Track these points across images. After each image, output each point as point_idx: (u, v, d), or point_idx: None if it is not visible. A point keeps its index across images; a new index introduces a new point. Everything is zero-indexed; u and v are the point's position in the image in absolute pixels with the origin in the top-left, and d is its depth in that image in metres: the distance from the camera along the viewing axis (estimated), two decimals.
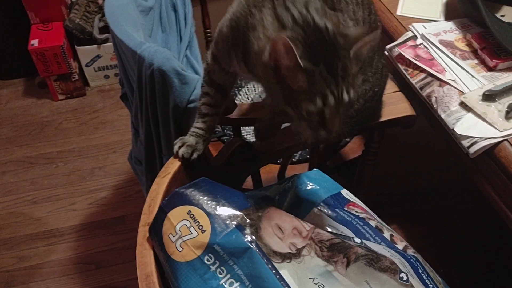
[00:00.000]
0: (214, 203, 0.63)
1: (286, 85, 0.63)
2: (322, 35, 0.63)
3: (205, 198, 0.63)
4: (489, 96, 0.88)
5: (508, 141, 0.83)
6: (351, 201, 0.82)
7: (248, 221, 0.62)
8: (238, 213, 0.62)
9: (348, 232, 0.73)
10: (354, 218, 0.76)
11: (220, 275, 0.59)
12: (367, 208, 0.82)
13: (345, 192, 0.84)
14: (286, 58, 0.60)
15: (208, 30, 1.48)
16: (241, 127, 1.13)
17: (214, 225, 0.61)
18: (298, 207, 0.77)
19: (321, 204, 0.77)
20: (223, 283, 0.59)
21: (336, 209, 0.77)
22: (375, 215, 0.81)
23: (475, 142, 0.84)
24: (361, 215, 0.78)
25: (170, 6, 1.31)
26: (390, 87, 1.03)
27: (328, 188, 0.81)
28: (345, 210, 0.78)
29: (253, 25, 0.67)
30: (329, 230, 0.73)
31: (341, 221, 0.75)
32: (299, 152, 1.26)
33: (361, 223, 0.76)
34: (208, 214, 0.61)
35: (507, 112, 0.85)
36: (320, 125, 0.65)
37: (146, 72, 0.97)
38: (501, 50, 0.94)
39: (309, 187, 0.80)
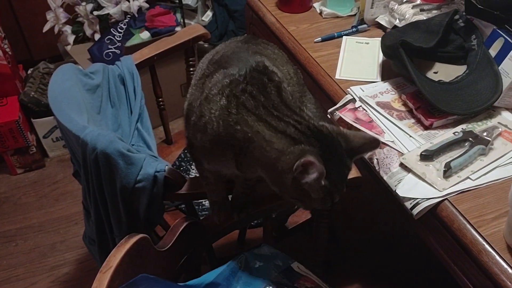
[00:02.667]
0: None
1: (300, 188, 0.70)
2: (326, 137, 0.72)
3: None
4: (427, 156, 0.90)
5: (449, 200, 0.85)
6: (302, 275, 0.82)
7: None
8: None
9: None
10: None
11: None
12: (316, 280, 0.81)
13: (296, 266, 0.83)
14: (311, 177, 0.67)
15: (160, 99, 1.49)
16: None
17: None
18: None
19: (270, 283, 0.76)
20: None
21: (285, 287, 0.77)
22: (324, 285, 0.80)
23: (417, 204, 0.86)
24: None
25: (118, 80, 1.32)
26: None
27: (277, 264, 0.81)
28: (294, 287, 0.77)
29: (249, 138, 0.72)
30: None
31: None
32: None
33: None
34: None
35: (445, 171, 0.87)
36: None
37: (91, 156, 0.97)
38: (435, 109, 0.98)
39: (258, 265, 0.79)
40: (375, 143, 0.75)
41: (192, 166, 1.47)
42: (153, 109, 1.47)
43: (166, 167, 0.99)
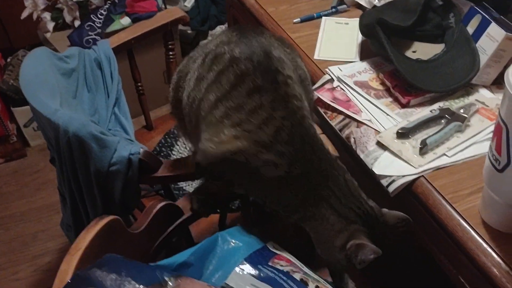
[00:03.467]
0: (118, 282, 0.60)
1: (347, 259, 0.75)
2: (374, 217, 0.77)
3: (108, 278, 0.60)
4: (403, 134, 0.90)
5: (424, 177, 0.84)
6: (277, 254, 0.81)
7: None
8: None
9: None
10: (277, 273, 0.75)
11: None
12: (293, 259, 0.81)
13: (271, 245, 0.82)
14: (368, 257, 0.72)
15: (139, 84, 1.47)
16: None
17: None
18: (219, 269, 0.75)
19: (244, 262, 0.75)
20: None
21: (259, 265, 0.76)
22: (301, 266, 0.80)
23: (393, 181, 0.85)
24: (286, 269, 0.77)
25: (95, 64, 1.30)
26: None
27: (252, 243, 0.80)
28: (269, 266, 0.77)
29: (312, 216, 0.79)
30: None
31: (263, 279, 0.73)
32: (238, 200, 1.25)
33: (284, 278, 0.74)
34: None
35: (421, 149, 0.87)
36: None
37: (63, 140, 0.95)
38: (412, 87, 0.97)
39: (231, 245, 0.78)
40: (406, 221, 0.78)
41: (173, 152, 1.45)
42: (135, 96, 1.45)
43: (141, 149, 0.97)
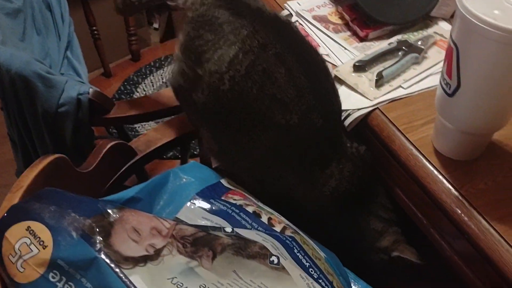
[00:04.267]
0: (57, 214, 0.58)
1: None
2: None
3: (47, 210, 0.58)
4: (360, 67, 0.88)
5: (380, 109, 0.84)
6: (231, 189, 0.80)
7: (96, 229, 0.58)
8: (86, 221, 0.58)
9: (222, 222, 0.70)
10: (230, 206, 0.74)
11: None
12: (246, 194, 0.80)
13: (225, 181, 0.81)
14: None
15: (94, 28, 1.40)
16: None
17: (57, 239, 0.56)
18: (170, 204, 0.73)
19: (195, 196, 0.74)
20: None
21: (211, 199, 0.75)
22: (255, 200, 0.79)
23: (349, 115, 0.84)
24: (239, 202, 0.76)
25: (44, 5, 1.22)
26: None
27: (205, 179, 0.78)
28: (221, 200, 0.76)
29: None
30: (203, 223, 0.70)
31: (215, 212, 0.72)
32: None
33: (237, 211, 0.73)
34: (50, 227, 0.56)
35: (377, 81, 0.85)
36: None
37: (5, 79, 0.90)
38: (371, 20, 0.95)
39: (184, 181, 0.77)
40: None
41: (137, 89, 1.41)
42: (86, 40, 1.38)
43: (91, 89, 0.93)
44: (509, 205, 0.70)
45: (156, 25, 2.26)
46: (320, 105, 0.71)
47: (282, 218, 0.77)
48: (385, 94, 0.84)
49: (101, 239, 0.57)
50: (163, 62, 1.49)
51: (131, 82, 1.44)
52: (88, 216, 0.59)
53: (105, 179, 0.85)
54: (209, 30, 0.68)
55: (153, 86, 1.42)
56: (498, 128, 0.71)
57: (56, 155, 0.74)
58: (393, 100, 0.84)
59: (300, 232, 0.75)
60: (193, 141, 1.17)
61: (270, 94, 0.65)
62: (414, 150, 0.77)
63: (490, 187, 0.72)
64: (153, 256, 0.58)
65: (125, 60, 1.54)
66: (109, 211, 0.61)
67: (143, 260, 0.57)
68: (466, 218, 0.69)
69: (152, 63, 1.48)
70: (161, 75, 1.45)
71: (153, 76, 1.45)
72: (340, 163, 0.77)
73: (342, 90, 0.87)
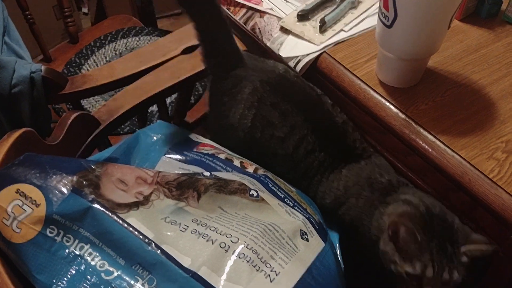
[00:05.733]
0: (43, 174, 0.59)
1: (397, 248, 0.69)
2: (446, 223, 0.69)
3: (32, 172, 0.59)
4: (303, 16, 0.94)
5: (327, 53, 0.90)
6: (201, 142, 0.84)
7: (85, 182, 0.60)
8: (73, 177, 0.60)
9: (198, 170, 0.75)
10: (203, 156, 0.78)
11: (67, 243, 0.57)
12: (216, 145, 0.84)
13: (194, 136, 0.85)
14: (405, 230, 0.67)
15: (27, 13, 1.36)
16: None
17: (48, 196, 0.58)
18: (146, 160, 0.76)
19: (168, 151, 0.78)
20: (73, 250, 0.57)
21: (184, 152, 0.78)
22: (225, 149, 0.84)
23: (299, 61, 0.90)
24: (211, 152, 0.80)
25: None
26: None
27: (175, 135, 0.82)
28: (194, 151, 0.80)
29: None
30: (180, 172, 0.74)
31: (190, 162, 0.76)
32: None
33: (210, 159, 0.78)
34: (39, 187, 0.58)
35: (320, 27, 0.92)
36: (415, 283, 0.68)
37: None
38: None
39: (155, 139, 0.80)
40: (489, 251, 0.68)
41: (87, 62, 1.40)
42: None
43: (43, 67, 0.92)
44: (449, 119, 0.79)
45: (85, 10, 2.20)
46: (315, 131, 0.80)
47: (253, 162, 0.82)
48: (329, 38, 0.91)
49: (92, 190, 0.59)
50: (103, 41, 1.47)
51: (73, 65, 1.42)
52: (73, 173, 0.61)
53: (72, 151, 0.86)
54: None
55: (97, 65, 1.41)
56: (432, 52, 0.80)
57: (24, 129, 0.74)
58: (337, 43, 0.91)
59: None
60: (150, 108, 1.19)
61: (270, 134, 0.80)
62: (362, 84, 0.85)
63: (431, 106, 0.81)
64: (143, 201, 0.62)
65: (63, 44, 1.51)
66: (93, 166, 0.63)
67: (135, 205, 0.61)
68: (414, 136, 0.78)
69: (92, 43, 1.46)
70: (104, 54, 1.44)
71: (95, 56, 1.44)
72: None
73: (289, 40, 0.93)
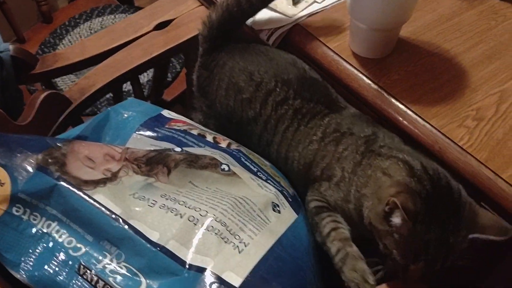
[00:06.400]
0: (8, 153, 0.59)
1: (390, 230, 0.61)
2: (451, 198, 0.61)
3: None
4: None
5: (299, 24, 0.89)
6: (173, 118, 0.83)
7: (50, 160, 0.59)
8: (38, 155, 0.59)
9: (170, 146, 0.74)
10: (175, 132, 0.78)
11: (34, 221, 0.57)
12: (189, 121, 0.84)
13: (167, 112, 0.84)
14: (400, 219, 0.58)
15: None
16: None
17: (13, 175, 0.57)
18: (117, 138, 0.76)
19: (139, 128, 0.77)
20: (41, 228, 0.57)
21: (155, 128, 0.78)
22: (197, 125, 0.83)
23: (272, 33, 0.89)
24: (183, 128, 0.80)
25: None
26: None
27: (146, 111, 0.81)
28: (166, 128, 0.79)
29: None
30: (151, 149, 0.74)
31: (161, 138, 0.76)
32: None
33: (182, 135, 0.77)
34: (4, 166, 0.58)
35: None
36: (399, 270, 0.63)
37: None
38: None
39: (125, 116, 0.79)
40: (506, 232, 0.61)
41: (62, 42, 1.37)
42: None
43: (11, 46, 0.91)
44: (420, 88, 0.79)
45: None
46: (287, 83, 0.77)
47: (226, 137, 0.82)
48: (302, 10, 0.90)
49: (57, 168, 0.59)
50: (78, 20, 1.44)
51: (48, 45, 1.39)
52: (39, 151, 0.60)
53: (43, 131, 0.85)
54: None
55: (81, 37, 1.38)
56: (403, 22, 0.80)
57: None
58: (311, 15, 0.90)
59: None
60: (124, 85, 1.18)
61: (240, 100, 0.79)
62: (335, 56, 0.85)
63: (403, 76, 0.81)
64: (111, 178, 0.62)
65: (38, 25, 1.48)
66: (59, 144, 0.63)
67: (102, 182, 0.60)
68: (385, 106, 0.78)
69: (67, 23, 1.44)
70: (79, 34, 1.42)
71: (70, 35, 1.41)
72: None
73: (262, 12, 0.91)
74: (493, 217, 0.63)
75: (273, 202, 0.68)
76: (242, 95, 0.79)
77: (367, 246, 0.68)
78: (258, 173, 0.74)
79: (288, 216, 0.69)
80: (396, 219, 0.59)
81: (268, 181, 0.73)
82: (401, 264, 0.62)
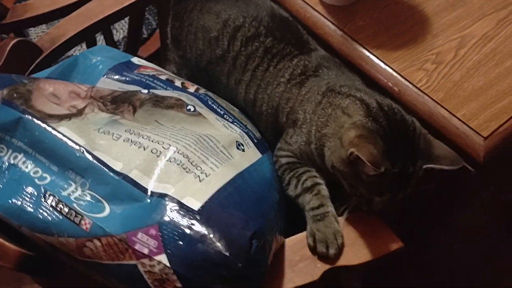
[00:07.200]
0: None
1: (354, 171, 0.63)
2: (407, 131, 0.64)
3: None
4: None
5: None
6: (143, 65, 0.84)
7: (15, 95, 0.61)
8: (3, 90, 0.61)
9: (137, 89, 0.76)
10: (143, 76, 0.79)
11: (1, 154, 0.59)
12: (159, 68, 0.85)
13: (136, 59, 0.85)
14: (364, 164, 0.59)
15: None
16: None
17: None
18: (86, 81, 0.77)
19: (108, 72, 0.78)
20: (7, 160, 0.59)
21: (124, 73, 0.79)
22: (167, 72, 0.85)
23: None
24: (152, 73, 0.81)
25: None
26: None
27: (115, 57, 0.82)
28: (134, 73, 0.80)
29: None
30: None
31: (130, 82, 0.77)
32: None
33: (151, 79, 0.79)
34: None
35: None
36: (365, 203, 0.66)
37: None
38: None
39: (94, 60, 0.80)
40: (457, 162, 0.64)
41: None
42: None
43: None
44: (384, 34, 0.81)
45: None
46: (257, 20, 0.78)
47: (192, 83, 0.83)
48: None
49: (23, 102, 0.60)
50: None
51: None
52: (4, 87, 0.62)
53: None
54: None
55: None
56: None
57: None
58: None
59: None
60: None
61: (208, 40, 0.80)
62: (302, 3, 0.86)
63: (368, 23, 0.83)
64: (76, 114, 0.63)
65: None
66: (25, 81, 0.64)
67: (67, 116, 0.62)
68: (350, 52, 0.80)
69: None
70: None
71: None
72: None
73: None
74: (446, 148, 0.65)
75: (237, 141, 0.71)
76: (210, 35, 0.79)
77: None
78: (225, 116, 0.76)
79: (252, 155, 0.71)
80: (360, 166, 0.61)
81: (235, 123, 0.75)
82: (366, 198, 0.65)
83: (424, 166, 0.63)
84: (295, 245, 0.67)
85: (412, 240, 0.69)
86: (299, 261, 0.66)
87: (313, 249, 0.65)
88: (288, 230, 0.69)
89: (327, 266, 0.65)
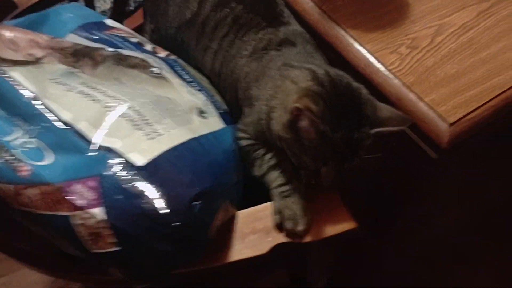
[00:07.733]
0: None
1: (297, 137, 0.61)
2: (352, 97, 0.62)
3: None
4: None
5: None
6: (115, 27, 0.83)
7: None
8: None
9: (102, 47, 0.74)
10: (113, 37, 0.78)
11: None
12: (132, 32, 0.83)
13: (110, 22, 0.84)
14: (307, 122, 0.58)
15: None
16: None
17: None
18: (54, 34, 0.75)
19: (78, 28, 0.76)
20: None
21: (94, 31, 0.77)
22: (140, 36, 0.83)
23: None
24: (123, 35, 0.79)
25: None
26: None
27: (88, 16, 0.80)
28: (105, 33, 0.79)
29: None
30: None
31: (98, 41, 0.75)
32: None
33: (120, 40, 0.77)
34: None
35: None
36: (312, 175, 0.64)
37: None
38: None
39: (65, 16, 0.78)
40: (404, 122, 0.64)
41: None
42: None
43: None
44: (362, 15, 0.80)
45: None
46: None
47: (164, 50, 0.82)
48: None
49: None
50: None
51: None
52: None
53: None
54: None
55: None
56: None
57: None
58: None
59: None
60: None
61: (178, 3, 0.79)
62: None
63: (347, 2, 0.81)
64: (33, 62, 0.62)
65: None
66: None
67: (23, 63, 0.61)
68: (325, 30, 0.79)
69: None
70: None
71: None
72: None
73: None
74: (391, 109, 0.65)
75: (200, 108, 0.69)
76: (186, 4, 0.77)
77: None
78: (192, 83, 0.74)
79: (214, 123, 0.70)
80: (303, 123, 0.59)
81: (201, 92, 0.74)
82: (313, 170, 0.64)
83: (372, 131, 0.62)
84: (247, 217, 0.66)
85: (378, 233, 0.68)
86: (249, 234, 0.65)
87: (279, 226, 0.63)
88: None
89: (277, 241, 0.64)
